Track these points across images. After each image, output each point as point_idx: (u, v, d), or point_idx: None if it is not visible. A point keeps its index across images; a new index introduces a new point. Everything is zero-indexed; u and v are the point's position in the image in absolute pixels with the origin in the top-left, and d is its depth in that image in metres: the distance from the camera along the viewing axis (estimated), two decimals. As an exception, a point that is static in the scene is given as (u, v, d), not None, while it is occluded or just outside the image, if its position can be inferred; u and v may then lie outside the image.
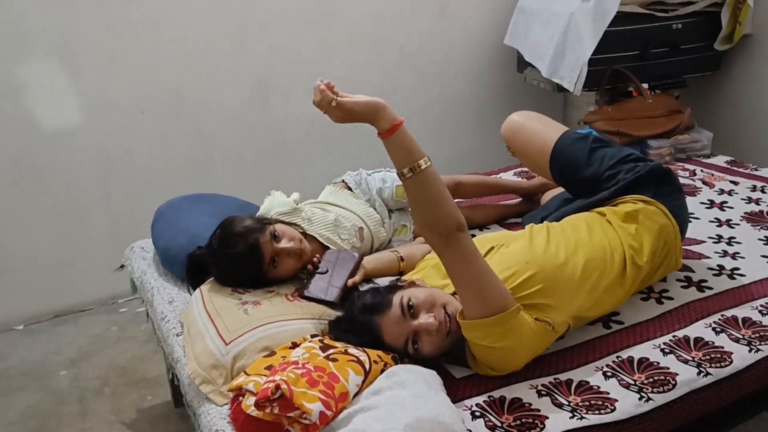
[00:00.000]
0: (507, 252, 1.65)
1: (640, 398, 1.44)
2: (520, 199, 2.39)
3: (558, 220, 1.85)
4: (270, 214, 1.94)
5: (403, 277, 1.76)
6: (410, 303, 1.46)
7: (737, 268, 1.92)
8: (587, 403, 1.43)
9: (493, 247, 1.69)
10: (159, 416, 2.36)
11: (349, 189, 2.16)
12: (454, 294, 1.57)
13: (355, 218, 2.04)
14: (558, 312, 1.54)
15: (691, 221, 2.21)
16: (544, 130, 2.03)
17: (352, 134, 3.36)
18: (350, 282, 1.76)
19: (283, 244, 1.78)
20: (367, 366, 1.39)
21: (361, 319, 1.50)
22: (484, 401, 1.44)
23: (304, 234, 1.89)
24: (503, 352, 1.45)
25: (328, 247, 1.91)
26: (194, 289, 1.84)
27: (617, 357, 1.58)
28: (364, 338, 1.48)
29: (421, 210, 1.41)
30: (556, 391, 1.47)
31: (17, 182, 2.80)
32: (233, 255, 1.74)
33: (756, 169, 2.63)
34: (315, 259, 1.84)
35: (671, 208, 1.83)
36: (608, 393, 1.46)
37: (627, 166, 1.90)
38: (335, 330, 1.54)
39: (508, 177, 2.64)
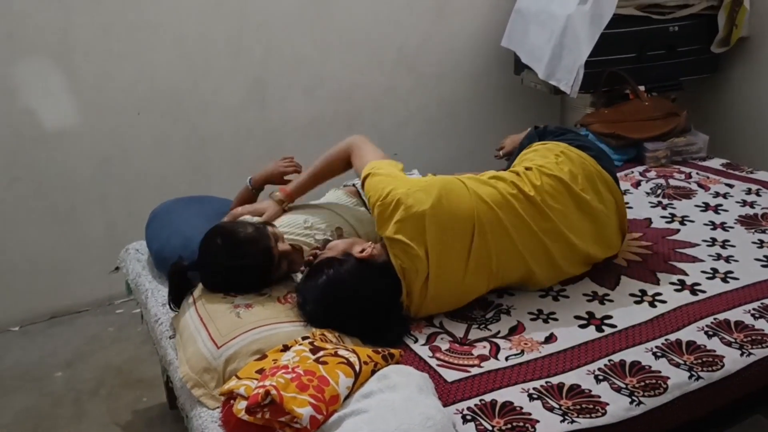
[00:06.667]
0: None
1: (631, 402, 1.44)
2: None
3: None
4: None
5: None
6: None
7: (731, 272, 1.92)
8: (578, 407, 1.43)
9: None
10: (154, 418, 2.36)
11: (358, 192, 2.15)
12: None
13: (337, 218, 2.00)
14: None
15: (685, 224, 2.23)
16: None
17: (350, 135, 3.38)
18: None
19: (282, 246, 1.78)
20: (357, 367, 1.39)
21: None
22: (476, 405, 1.44)
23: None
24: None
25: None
26: (177, 307, 1.81)
27: (609, 360, 1.58)
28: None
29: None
30: (548, 394, 1.47)
31: (13, 183, 2.80)
32: (247, 265, 1.72)
33: (751, 172, 2.63)
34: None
35: (574, 145, 1.99)
36: (599, 397, 1.46)
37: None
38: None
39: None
